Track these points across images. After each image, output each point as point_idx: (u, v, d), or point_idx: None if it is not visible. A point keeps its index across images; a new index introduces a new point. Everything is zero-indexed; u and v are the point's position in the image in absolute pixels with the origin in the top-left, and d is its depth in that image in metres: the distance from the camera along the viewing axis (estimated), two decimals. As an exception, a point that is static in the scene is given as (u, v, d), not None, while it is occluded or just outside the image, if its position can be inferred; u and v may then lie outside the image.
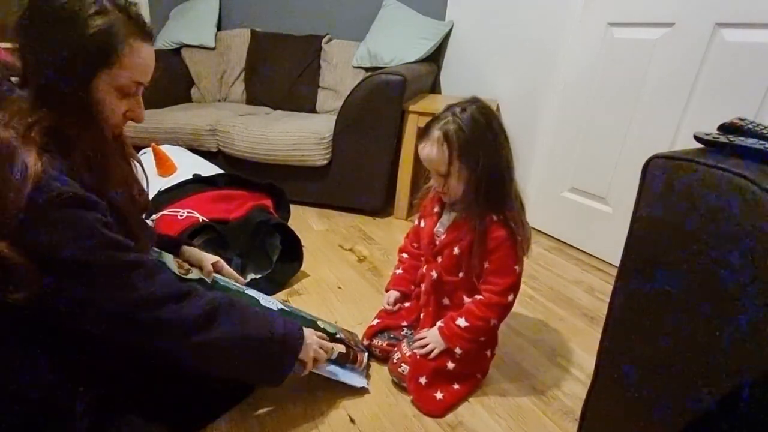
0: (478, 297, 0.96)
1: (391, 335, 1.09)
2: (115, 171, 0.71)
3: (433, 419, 0.94)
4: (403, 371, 0.98)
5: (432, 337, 0.98)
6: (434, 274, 1.01)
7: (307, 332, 0.88)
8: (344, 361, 1.01)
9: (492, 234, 0.91)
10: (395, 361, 1.01)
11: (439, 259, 1.01)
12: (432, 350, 0.96)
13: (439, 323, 0.99)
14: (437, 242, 1.01)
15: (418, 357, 0.97)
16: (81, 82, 0.63)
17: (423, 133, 0.92)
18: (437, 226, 1.02)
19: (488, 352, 1.03)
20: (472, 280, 0.98)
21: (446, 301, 1.04)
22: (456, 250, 0.97)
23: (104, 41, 0.61)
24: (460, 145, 0.87)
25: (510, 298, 0.94)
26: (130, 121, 0.75)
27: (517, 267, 0.93)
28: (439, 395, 0.95)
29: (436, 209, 1.04)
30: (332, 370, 0.98)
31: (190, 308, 0.70)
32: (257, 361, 0.80)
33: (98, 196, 0.65)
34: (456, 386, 0.98)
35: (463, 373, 0.98)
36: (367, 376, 1.03)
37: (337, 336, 1.03)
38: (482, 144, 0.87)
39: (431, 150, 0.89)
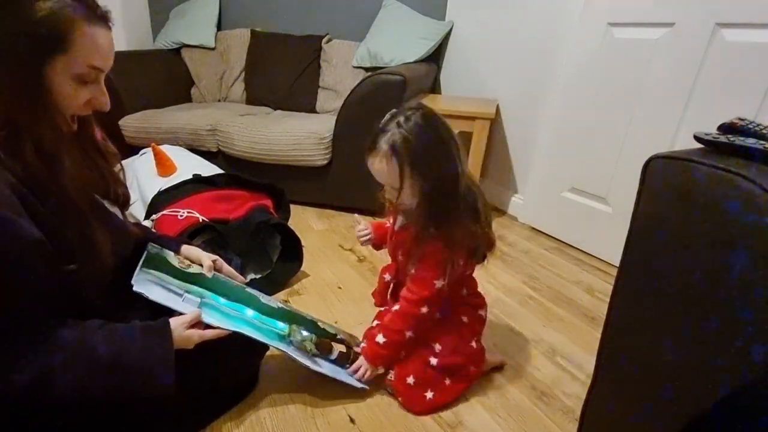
0: (395, 307, 0.96)
1: None
2: (69, 163, 0.66)
3: (433, 419, 0.94)
4: (391, 378, 0.98)
5: (361, 361, 0.98)
6: (387, 276, 1.07)
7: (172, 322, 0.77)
8: (344, 360, 1.01)
9: (425, 245, 0.89)
10: (387, 375, 1.00)
11: (397, 258, 1.02)
12: (365, 373, 0.97)
13: (362, 344, 1.01)
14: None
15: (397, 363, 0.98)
16: (31, 70, 0.59)
17: (370, 147, 0.88)
18: (396, 225, 1.01)
19: (473, 343, 1.00)
20: None
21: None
22: (400, 256, 0.98)
23: (53, 26, 0.58)
24: (410, 155, 0.82)
25: (423, 310, 0.92)
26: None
27: (437, 282, 0.90)
28: (429, 394, 0.95)
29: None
30: (333, 370, 0.98)
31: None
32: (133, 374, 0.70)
33: (49, 190, 0.62)
34: (447, 382, 0.97)
35: (451, 367, 0.97)
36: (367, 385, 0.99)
37: (338, 337, 1.03)
38: (431, 151, 0.83)
39: (381, 165, 0.85)
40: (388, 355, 0.96)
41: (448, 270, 0.90)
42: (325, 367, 0.97)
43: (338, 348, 0.99)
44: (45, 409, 0.69)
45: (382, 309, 1.11)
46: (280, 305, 1.00)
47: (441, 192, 0.84)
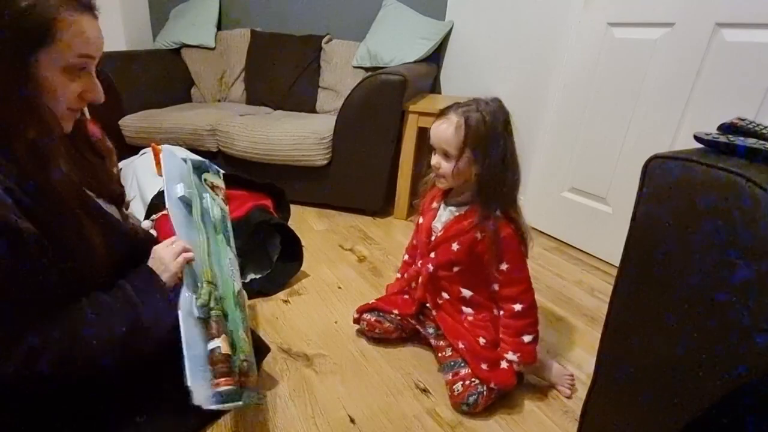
0: (517, 306, 0.96)
1: (381, 314, 1.13)
2: (62, 163, 0.66)
3: (433, 419, 0.94)
4: (458, 390, 0.95)
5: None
6: (430, 267, 1.03)
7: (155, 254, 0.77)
8: (212, 361, 0.73)
9: (500, 232, 0.92)
10: (454, 394, 0.96)
11: (433, 255, 1.01)
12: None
13: (512, 356, 0.96)
14: (433, 238, 1.02)
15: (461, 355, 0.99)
16: (18, 66, 0.58)
17: (441, 113, 0.93)
18: (434, 221, 1.02)
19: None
20: (467, 274, 1.00)
21: (445, 295, 1.05)
22: (455, 246, 0.97)
23: (35, 17, 0.56)
24: (477, 135, 0.88)
25: (530, 297, 0.97)
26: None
27: (526, 269, 0.97)
28: (504, 365, 0.97)
29: (434, 205, 1.04)
30: (192, 346, 0.72)
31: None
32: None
33: (42, 190, 0.61)
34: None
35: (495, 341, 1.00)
36: (215, 405, 0.71)
37: (241, 357, 0.79)
38: (497, 140, 0.89)
39: (447, 129, 0.90)
40: (528, 350, 0.97)
41: (526, 252, 0.95)
42: (188, 336, 0.71)
43: (221, 343, 0.74)
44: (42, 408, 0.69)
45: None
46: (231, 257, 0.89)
47: (492, 176, 0.90)
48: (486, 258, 0.95)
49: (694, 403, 0.53)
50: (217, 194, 0.95)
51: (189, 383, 0.68)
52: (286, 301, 1.33)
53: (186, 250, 0.77)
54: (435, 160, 0.94)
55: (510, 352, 0.96)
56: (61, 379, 0.65)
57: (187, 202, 0.85)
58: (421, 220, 1.07)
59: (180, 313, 0.72)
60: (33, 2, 0.56)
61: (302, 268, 1.45)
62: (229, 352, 0.75)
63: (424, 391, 1.02)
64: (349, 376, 1.05)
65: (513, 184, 0.93)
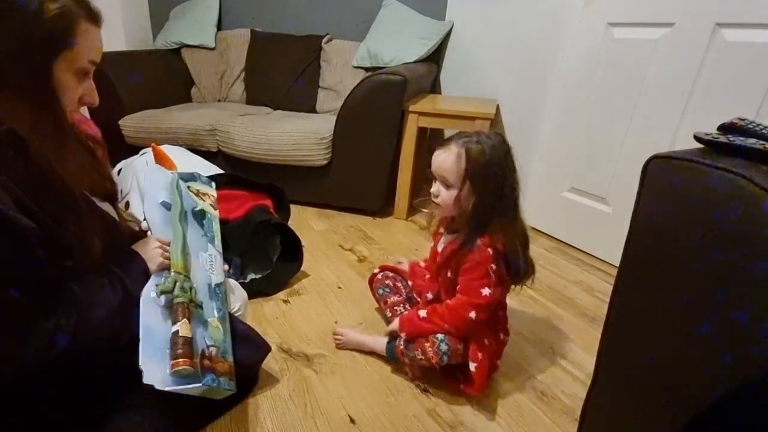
0: (447, 302, 0.98)
1: (399, 277, 1.23)
2: (73, 157, 0.70)
3: (433, 419, 0.94)
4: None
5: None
6: (430, 295, 1.07)
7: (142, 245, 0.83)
8: (172, 343, 0.75)
9: (471, 255, 0.93)
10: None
11: (440, 279, 1.04)
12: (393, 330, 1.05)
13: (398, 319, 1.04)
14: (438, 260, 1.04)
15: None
16: (43, 68, 0.63)
17: (443, 143, 0.95)
18: (440, 244, 1.05)
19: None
20: None
21: None
22: (448, 273, 0.99)
23: (62, 24, 0.63)
24: (477, 166, 0.89)
25: (471, 314, 0.93)
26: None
27: (484, 291, 0.92)
28: (472, 366, 0.96)
29: (441, 230, 1.07)
30: (149, 330, 0.75)
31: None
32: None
33: (50, 187, 0.64)
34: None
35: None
36: (171, 386, 0.72)
37: (207, 343, 0.81)
38: (495, 173, 0.90)
39: (447, 158, 0.92)
40: (418, 329, 0.98)
41: (493, 279, 0.93)
42: (146, 321, 0.75)
43: (184, 328, 0.76)
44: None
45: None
46: (212, 281, 0.91)
47: (486, 206, 0.91)
48: (450, 275, 0.99)
49: (694, 404, 0.53)
50: (203, 200, 1.03)
51: (140, 363, 0.70)
52: (286, 301, 1.33)
53: (162, 248, 0.84)
54: (435, 188, 0.96)
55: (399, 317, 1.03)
56: (76, 356, 0.68)
57: (167, 207, 0.93)
58: (432, 244, 1.11)
59: (141, 302, 0.76)
60: (60, 11, 0.62)
61: (302, 268, 1.45)
62: (189, 335, 0.76)
63: (425, 391, 1.02)
64: (349, 376, 1.05)
65: (504, 214, 0.92)
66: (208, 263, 0.93)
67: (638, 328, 0.61)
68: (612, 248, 1.63)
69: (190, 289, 0.83)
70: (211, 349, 0.80)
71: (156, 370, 0.71)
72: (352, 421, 0.93)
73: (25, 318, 0.62)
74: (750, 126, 0.54)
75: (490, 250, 0.92)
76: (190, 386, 0.74)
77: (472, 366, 0.94)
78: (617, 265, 0.64)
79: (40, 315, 0.64)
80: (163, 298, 0.78)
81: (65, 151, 0.68)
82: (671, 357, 0.56)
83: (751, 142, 0.51)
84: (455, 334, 0.95)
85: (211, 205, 1.05)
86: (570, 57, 1.67)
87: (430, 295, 1.08)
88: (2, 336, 0.61)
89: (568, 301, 1.41)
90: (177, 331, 0.75)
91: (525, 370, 1.10)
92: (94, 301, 0.71)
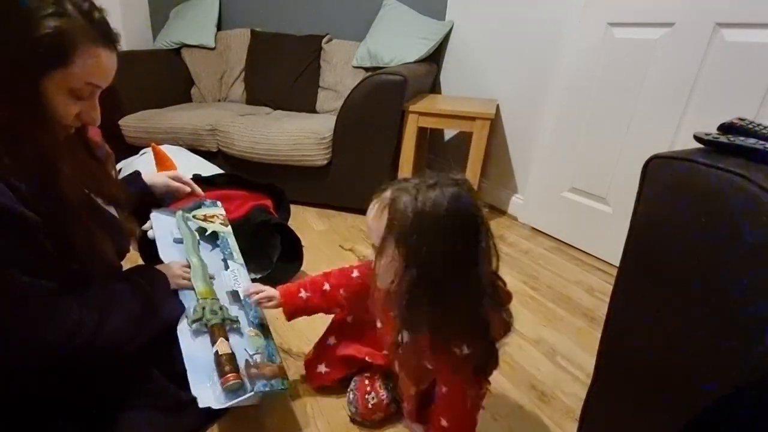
0: (444, 423, 0.78)
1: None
2: (67, 168, 0.68)
3: (433, 419, 0.94)
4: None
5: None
6: (413, 390, 0.84)
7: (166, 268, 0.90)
8: (216, 363, 0.79)
9: (442, 378, 0.75)
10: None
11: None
12: None
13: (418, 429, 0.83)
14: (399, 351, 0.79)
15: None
16: (30, 80, 0.62)
17: (381, 189, 0.73)
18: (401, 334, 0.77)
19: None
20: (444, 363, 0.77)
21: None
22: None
23: (56, 43, 0.60)
24: (403, 224, 0.64)
25: (471, 397, 0.78)
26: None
27: (468, 404, 0.78)
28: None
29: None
30: (193, 359, 0.79)
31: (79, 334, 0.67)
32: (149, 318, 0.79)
33: (45, 197, 0.64)
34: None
35: None
36: (228, 407, 0.77)
37: (249, 352, 0.84)
38: (434, 239, 0.63)
39: (371, 211, 0.71)
40: None
41: (475, 401, 0.79)
42: (188, 349, 0.80)
43: (223, 347, 0.81)
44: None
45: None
46: (236, 288, 0.96)
47: (427, 287, 0.66)
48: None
49: (694, 404, 0.53)
50: (212, 221, 1.09)
51: (193, 391, 0.75)
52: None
53: (184, 270, 0.92)
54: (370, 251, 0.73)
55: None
56: (86, 357, 0.70)
57: (180, 242, 1.00)
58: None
59: (179, 335, 0.82)
60: (60, 27, 0.60)
61: (302, 268, 1.45)
62: (229, 352, 0.81)
63: (424, 391, 1.02)
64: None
65: (460, 313, 0.67)
66: (232, 279, 0.99)
67: (638, 328, 0.61)
68: (612, 248, 1.62)
69: (220, 308, 0.88)
70: (255, 357, 0.85)
71: (208, 392, 0.76)
72: (352, 421, 0.93)
73: (50, 301, 0.64)
74: (750, 126, 0.54)
75: (462, 372, 0.72)
76: (244, 397, 0.77)
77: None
78: (617, 265, 0.64)
79: (66, 302, 0.66)
80: (194, 325, 0.83)
81: (61, 159, 0.67)
82: (671, 357, 0.56)
83: (751, 142, 0.51)
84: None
85: (221, 223, 1.10)
86: (570, 57, 1.67)
87: (413, 390, 0.85)
88: (29, 316, 0.62)
89: (568, 301, 1.41)
90: (217, 352, 0.80)
91: (525, 370, 1.10)
92: (115, 306, 0.73)
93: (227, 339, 0.83)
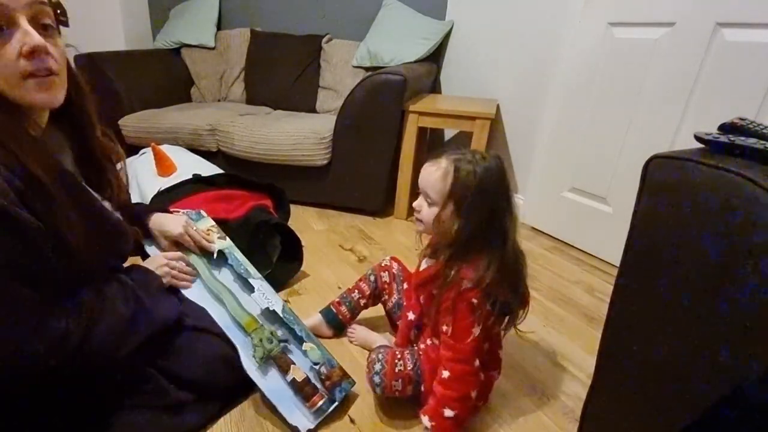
0: (445, 374, 0.85)
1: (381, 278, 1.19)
2: (25, 150, 0.61)
3: (433, 419, 0.94)
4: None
5: None
6: (411, 315, 0.98)
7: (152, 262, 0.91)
8: (297, 390, 0.88)
9: (448, 292, 0.84)
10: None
11: (414, 301, 0.98)
12: None
13: (427, 422, 0.86)
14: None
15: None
16: None
17: (434, 156, 0.87)
18: (422, 265, 0.96)
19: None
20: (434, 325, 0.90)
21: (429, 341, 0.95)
22: (422, 299, 0.94)
23: None
24: (464, 188, 0.81)
25: (476, 363, 0.85)
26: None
27: (474, 330, 0.84)
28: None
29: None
30: (276, 393, 0.87)
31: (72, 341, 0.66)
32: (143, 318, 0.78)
33: (34, 190, 0.60)
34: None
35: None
36: (318, 425, 0.88)
37: (315, 366, 0.92)
38: (485, 200, 0.81)
39: (434, 174, 0.84)
40: (462, 423, 0.87)
41: (477, 316, 0.84)
42: (267, 385, 0.87)
43: (296, 374, 0.87)
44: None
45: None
46: (281, 305, 0.98)
47: (477, 235, 0.82)
48: (432, 309, 0.89)
49: (694, 404, 0.53)
50: (209, 237, 1.05)
51: (290, 422, 0.84)
52: (286, 301, 1.32)
53: (169, 264, 0.92)
54: (418, 201, 0.89)
55: (427, 417, 0.86)
56: (77, 362, 0.68)
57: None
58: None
59: (251, 375, 0.87)
60: None
61: (302, 268, 1.45)
62: (303, 375, 0.89)
63: (424, 391, 1.02)
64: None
65: (491, 245, 0.83)
66: (262, 298, 0.98)
67: (638, 328, 0.61)
68: (612, 248, 1.63)
69: (272, 333, 0.92)
70: (321, 369, 0.92)
71: (303, 418, 0.86)
72: (351, 421, 0.93)
73: (36, 313, 0.62)
74: (750, 126, 0.54)
75: (468, 283, 0.82)
76: (331, 408, 0.89)
77: (426, 422, 0.86)
78: (617, 265, 0.64)
79: (52, 313, 0.64)
80: (262, 362, 0.88)
81: (18, 129, 0.62)
82: (671, 357, 0.56)
83: (752, 142, 0.51)
84: (471, 392, 0.86)
85: (219, 237, 1.07)
86: (570, 57, 1.67)
87: (411, 315, 0.99)
88: (14, 328, 0.60)
89: (568, 301, 1.41)
90: (294, 379, 0.88)
91: (525, 370, 1.10)
92: (105, 312, 0.71)
93: (293, 362, 0.90)
